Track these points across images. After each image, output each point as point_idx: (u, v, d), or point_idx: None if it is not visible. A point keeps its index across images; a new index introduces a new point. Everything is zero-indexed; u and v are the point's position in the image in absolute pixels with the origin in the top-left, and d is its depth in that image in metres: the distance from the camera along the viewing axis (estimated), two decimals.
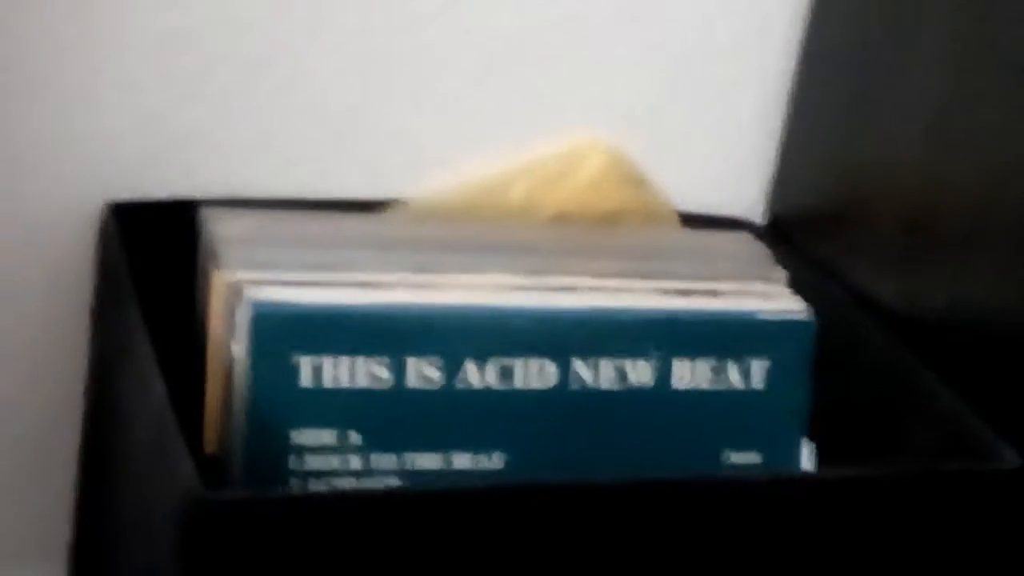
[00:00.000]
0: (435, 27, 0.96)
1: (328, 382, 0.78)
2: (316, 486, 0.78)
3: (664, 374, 0.83)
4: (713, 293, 0.86)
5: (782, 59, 1.01)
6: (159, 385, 0.75)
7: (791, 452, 0.85)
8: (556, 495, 0.74)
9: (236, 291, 0.79)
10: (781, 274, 0.89)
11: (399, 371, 0.79)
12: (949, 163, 0.89)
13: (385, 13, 0.94)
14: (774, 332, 0.85)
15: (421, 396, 0.79)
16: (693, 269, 0.87)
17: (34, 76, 0.90)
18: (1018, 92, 0.84)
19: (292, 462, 0.78)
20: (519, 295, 0.83)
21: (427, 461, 0.80)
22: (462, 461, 0.80)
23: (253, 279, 0.79)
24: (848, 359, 0.89)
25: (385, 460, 0.79)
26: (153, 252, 0.89)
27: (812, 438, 0.86)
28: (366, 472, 0.79)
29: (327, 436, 0.79)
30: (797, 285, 0.88)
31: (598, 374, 0.82)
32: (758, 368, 0.84)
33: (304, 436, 0.78)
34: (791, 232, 1.00)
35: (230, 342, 0.79)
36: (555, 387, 0.81)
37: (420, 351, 0.79)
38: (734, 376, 0.84)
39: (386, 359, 0.79)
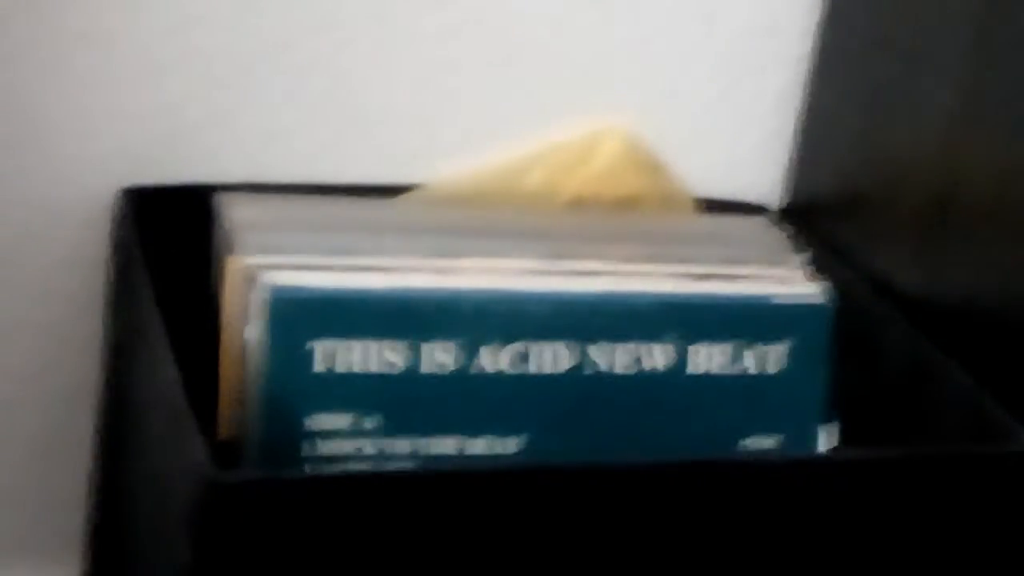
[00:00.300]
0: (453, 12, 0.95)
1: (343, 367, 0.78)
2: (331, 471, 0.78)
3: (681, 359, 0.82)
4: (730, 278, 0.86)
5: (800, 44, 1.01)
6: (172, 369, 0.75)
7: (809, 437, 0.85)
8: (569, 477, 0.74)
9: (251, 276, 0.79)
10: (798, 259, 0.88)
11: (415, 356, 0.79)
12: (969, 147, 0.89)
13: None
14: (791, 317, 0.84)
15: (437, 381, 0.79)
16: (710, 254, 0.87)
17: (49, 62, 0.90)
18: None
19: (307, 447, 0.78)
20: (535, 280, 0.83)
21: (443, 446, 0.80)
22: (478, 446, 0.80)
23: (268, 263, 0.79)
24: (866, 344, 0.89)
25: (401, 445, 0.79)
26: (168, 238, 0.89)
27: (831, 422, 0.85)
28: (382, 457, 0.79)
29: (342, 421, 0.79)
30: (816, 270, 0.87)
31: (614, 359, 0.82)
32: (775, 353, 0.84)
33: (319, 421, 0.78)
34: (809, 217, 1.00)
35: (245, 327, 0.79)
36: (571, 372, 0.81)
37: (436, 336, 0.79)
38: (751, 361, 0.83)
39: (402, 344, 0.79)
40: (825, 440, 0.86)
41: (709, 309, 0.83)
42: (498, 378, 0.80)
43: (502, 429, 0.81)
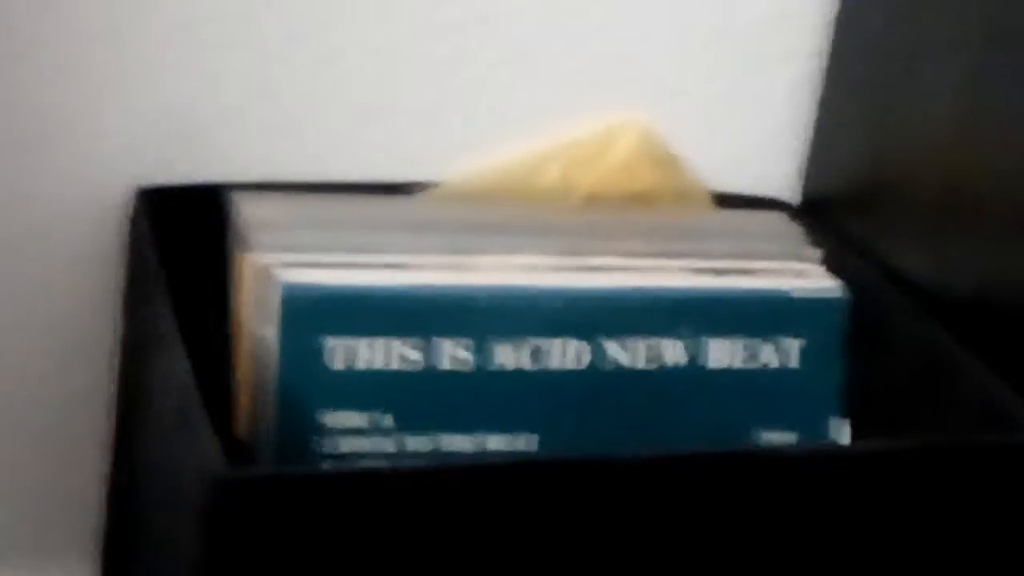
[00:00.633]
0: (464, 7, 0.95)
1: (359, 364, 0.78)
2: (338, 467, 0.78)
3: (697, 353, 0.82)
4: (746, 272, 0.85)
5: (814, 37, 1.01)
6: (183, 365, 0.75)
7: (825, 430, 0.85)
8: (585, 470, 0.74)
9: (266, 274, 0.79)
10: (815, 252, 0.88)
11: (430, 353, 0.79)
12: (982, 140, 0.89)
13: None
14: (807, 310, 0.84)
15: (453, 378, 0.79)
16: (726, 248, 0.87)
17: (62, 62, 0.90)
18: None
19: (323, 445, 0.78)
20: (551, 276, 0.83)
21: (459, 443, 0.80)
22: (495, 443, 0.80)
23: (283, 261, 0.79)
24: (882, 337, 0.89)
25: (417, 442, 0.79)
26: (183, 237, 0.89)
27: (846, 415, 0.85)
28: (398, 454, 0.79)
29: (358, 419, 0.78)
30: (831, 263, 0.87)
31: (631, 354, 0.81)
32: (791, 347, 0.83)
33: (335, 419, 0.78)
34: (824, 211, 1.00)
35: (260, 325, 0.79)
36: (588, 367, 0.81)
37: (451, 332, 0.79)
38: (767, 355, 0.83)
39: (417, 341, 0.79)
40: (840, 433, 0.85)
41: (725, 303, 0.83)
42: (514, 375, 0.80)
43: (518, 426, 0.80)
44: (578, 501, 0.74)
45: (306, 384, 0.78)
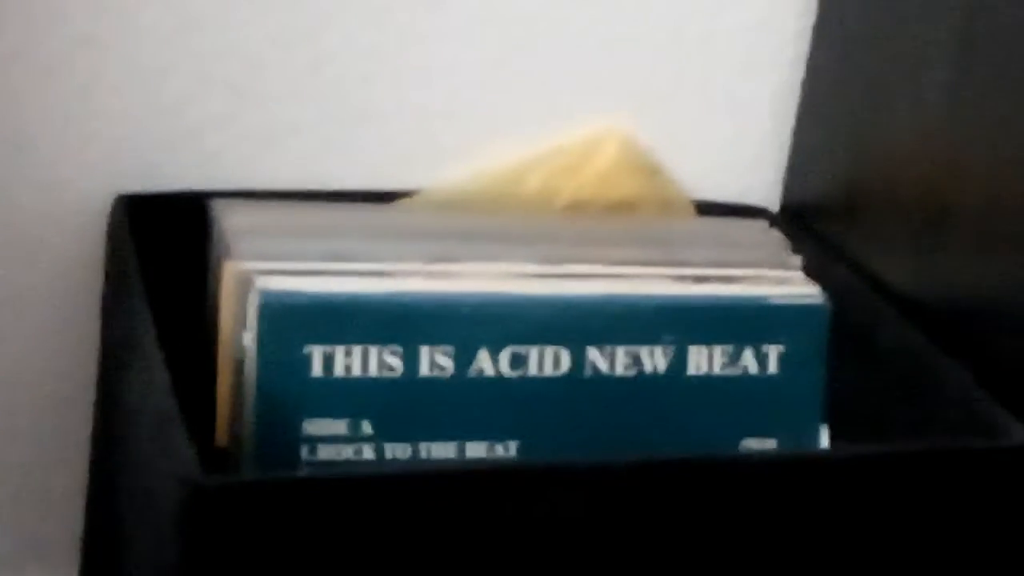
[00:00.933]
0: (448, 15, 0.95)
1: (340, 371, 0.78)
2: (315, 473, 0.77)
3: (679, 360, 0.82)
4: (728, 279, 0.85)
5: (795, 46, 1.01)
6: (161, 373, 0.75)
7: (808, 437, 0.85)
8: (568, 476, 0.74)
9: (246, 281, 0.79)
10: (796, 260, 0.88)
11: (411, 360, 0.79)
12: (961, 147, 0.89)
13: (397, 2, 0.94)
14: (789, 318, 0.84)
15: (434, 385, 0.79)
16: (708, 256, 0.87)
17: (45, 67, 0.90)
18: None
19: (304, 452, 0.78)
20: (533, 283, 0.82)
21: (441, 450, 0.80)
22: (476, 450, 0.80)
23: (263, 269, 0.79)
24: (864, 344, 0.89)
25: (398, 449, 0.79)
26: (164, 245, 0.89)
27: (828, 422, 0.85)
28: (379, 461, 0.79)
29: (339, 426, 0.78)
30: (812, 271, 0.87)
31: (613, 361, 0.81)
32: (774, 354, 0.83)
33: (316, 426, 0.78)
34: (806, 219, 1.00)
35: (241, 333, 0.79)
36: (569, 374, 0.81)
37: (432, 340, 0.79)
38: (749, 362, 0.83)
39: (398, 348, 0.79)
40: (821, 440, 0.85)
41: (707, 311, 0.83)
42: (496, 382, 0.80)
43: (500, 433, 0.80)
44: (558, 507, 0.74)
45: (286, 392, 0.78)
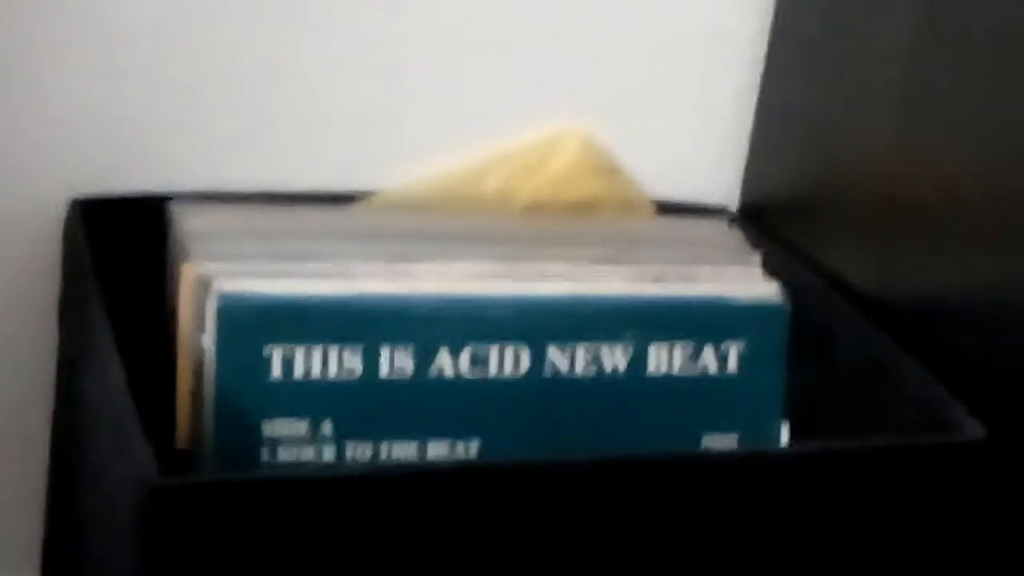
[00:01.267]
0: (408, 18, 0.95)
1: (299, 372, 0.78)
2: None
3: (640, 359, 0.82)
4: (688, 278, 0.85)
5: (753, 47, 1.01)
6: (118, 374, 0.75)
7: (769, 435, 0.85)
8: (528, 475, 0.74)
9: (204, 283, 0.78)
10: (756, 259, 0.88)
11: (371, 360, 0.79)
12: (919, 147, 0.89)
13: (357, 3, 0.94)
14: (749, 316, 0.84)
15: (394, 385, 0.79)
16: (668, 255, 0.87)
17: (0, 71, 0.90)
18: (984, 80, 0.84)
19: (265, 454, 0.78)
20: (493, 283, 0.82)
21: (402, 450, 0.79)
22: (437, 449, 0.80)
23: (221, 271, 0.79)
24: (823, 341, 0.89)
25: (359, 449, 0.79)
26: (121, 248, 0.88)
27: (788, 419, 0.85)
28: (339, 462, 0.78)
29: (299, 427, 0.78)
30: (772, 270, 0.87)
31: (573, 360, 0.81)
32: (734, 352, 0.84)
33: (276, 427, 0.78)
34: (765, 218, 1.00)
35: (199, 335, 0.78)
36: (530, 374, 0.81)
37: (392, 339, 0.79)
38: (710, 360, 0.83)
39: (358, 348, 0.78)
40: (781, 437, 0.85)
41: (667, 310, 0.83)
42: (456, 381, 0.80)
43: (461, 432, 0.80)
44: (520, 506, 0.74)
45: (246, 393, 0.77)
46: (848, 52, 0.95)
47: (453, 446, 0.80)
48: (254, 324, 0.77)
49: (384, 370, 0.79)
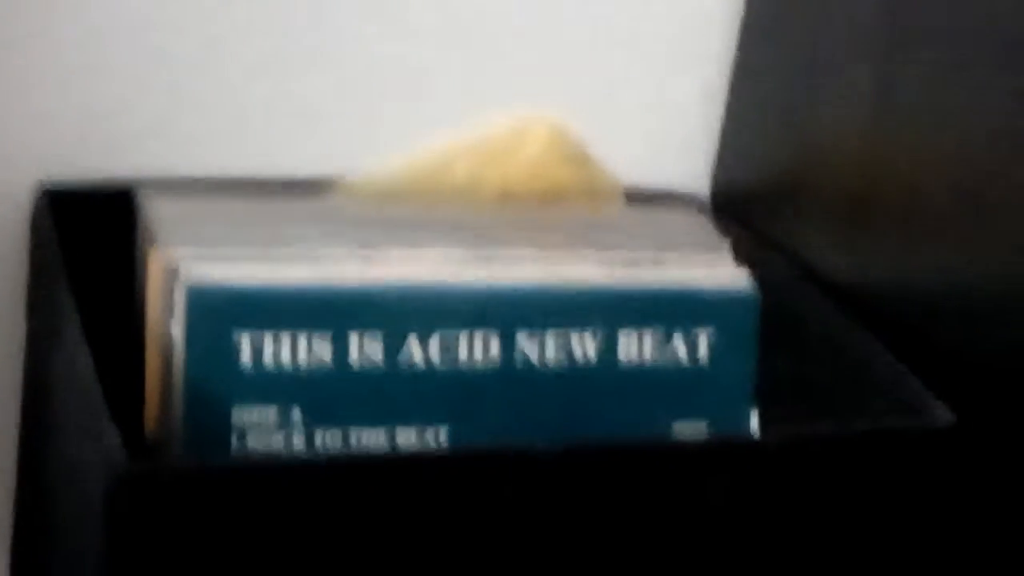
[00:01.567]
0: (381, 10, 0.95)
1: (269, 359, 0.77)
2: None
3: (610, 347, 0.82)
4: (658, 266, 0.85)
5: (725, 36, 1.01)
6: (86, 359, 0.74)
7: (739, 423, 0.85)
8: (499, 463, 0.74)
9: (172, 270, 0.78)
10: (726, 247, 0.88)
11: (341, 346, 0.78)
12: (889, 137, 0.89)
13: None
14: (719, 305, 0.84)
15: (364, 371, 0.79)
16: (638, 244, 0.87)
17: None
18: (953, 72, 0.84)
19: (234, 441, 0.77)
20: (462, 270, 0.82)
21: (371, 436, 0.79)
22: (406, 435, 0.80)
23: (190, 257, 0.78)
24: (793, 329, 0.89)
25: (328, 436, 0.79)
26: (89, 236, 0.88)
27: (759, 407, 0.85)
28: (308, 449, 0.78)
29: (269, 414, 0.78)
30: (741, 257, 0.87)
31: (543, 347, 0.81)
32: (703, 339, 0.84)
33: (245, 414, 0.77)
34: (736, 207, 1.00)
35: (167, 322, 0.78)
36: (499, 361, 0.81)
37: (362, 326, 0.78)
38: (680, 347, 0.83)
39: (327, 334, 0.78)
40: (752, 424, 0.86)
41: (637, 296, 0.83)
42: (426, 367, 0.80)
43: (431, 419, 0.80)
44: (490, 494, 0.74)
45: (214, 380, 0.77)
46: (819, 41, 0.95)
47: (422, 433, 0.80)
48: (223, 311, 0.77)
49: (353, 357, 0.79)
